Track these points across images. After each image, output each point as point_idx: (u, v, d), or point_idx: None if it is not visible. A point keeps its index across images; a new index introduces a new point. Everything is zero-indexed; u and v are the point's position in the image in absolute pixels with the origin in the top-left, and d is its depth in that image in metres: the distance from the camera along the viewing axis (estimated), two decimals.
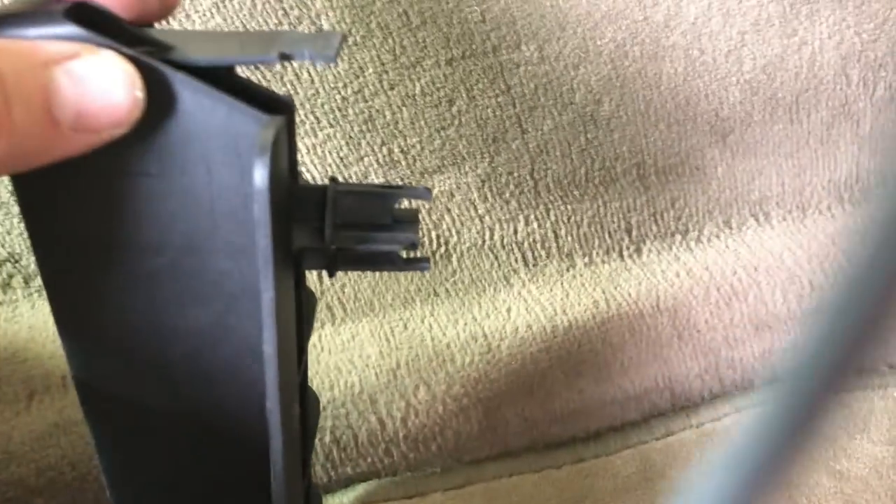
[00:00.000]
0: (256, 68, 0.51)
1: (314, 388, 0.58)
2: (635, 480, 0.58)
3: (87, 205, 0.25)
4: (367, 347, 0.59)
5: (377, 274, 0.61)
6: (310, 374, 0.58)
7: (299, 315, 0.29)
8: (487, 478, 0.59)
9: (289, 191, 0.25)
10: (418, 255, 0.31)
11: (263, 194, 0.22)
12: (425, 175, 0.56)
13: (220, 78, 0.24)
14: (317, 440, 0.59)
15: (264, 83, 0.52)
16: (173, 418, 0.29)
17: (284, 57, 0.23)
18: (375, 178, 0.55)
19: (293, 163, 0.25)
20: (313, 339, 0.59)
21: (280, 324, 0.24)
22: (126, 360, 0.28)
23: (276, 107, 0.24)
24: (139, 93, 0.23)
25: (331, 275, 0.28)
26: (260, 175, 0.22)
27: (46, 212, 0.25)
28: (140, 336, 0.27)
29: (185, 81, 0.23)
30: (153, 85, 0.23)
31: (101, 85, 0.23)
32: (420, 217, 0.36)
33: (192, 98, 0.23)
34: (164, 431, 0.30)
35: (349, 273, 0.60)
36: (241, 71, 0.51)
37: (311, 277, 0.60)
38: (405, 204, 0.33)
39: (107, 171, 0.25)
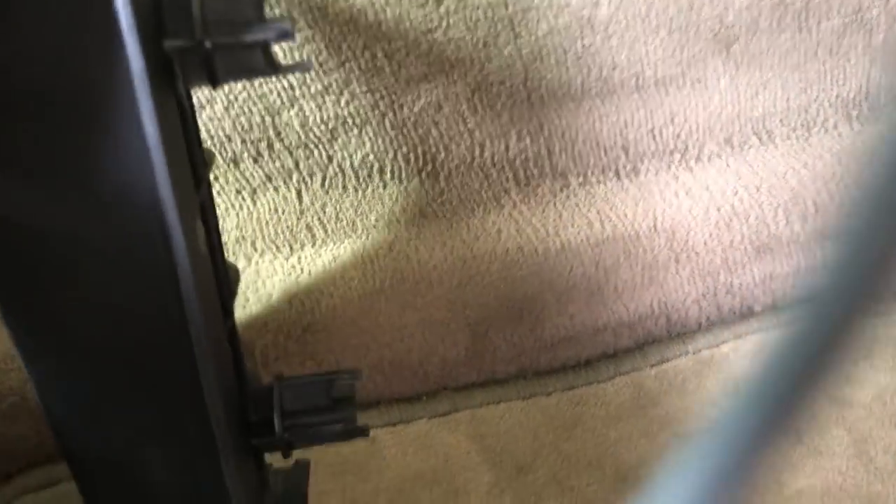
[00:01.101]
0: None
1: (292, 311, 0.55)
2: (628, 408, 0.56)
3: None
4: (350, 270, 0.56)
5: (359, 193, 0.57)
6: (289, 295, 0.56)
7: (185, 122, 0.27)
8: (474, 405, 0.57)
9: None
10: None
11: None
12: (411, 83, 0.52)
13: None
14: (297, 364, 0.56)
15: None
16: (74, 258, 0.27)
17: None
18: (357, 87, 0.52)
19: None
20: (292, 260, 0.56)
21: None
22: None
23: None
24: None
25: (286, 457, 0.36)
26: None
27: None
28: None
29: None
30: None
31: None
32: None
33: None
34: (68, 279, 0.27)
35: (330, 192, 0.57)
36: None
37: (291, 196, 0.56)
38: None
39: None
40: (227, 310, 0.34)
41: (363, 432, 0.39)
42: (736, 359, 0.56)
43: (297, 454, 0.47)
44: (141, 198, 0.25)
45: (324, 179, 0.56)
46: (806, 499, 0.49)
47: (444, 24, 0.50)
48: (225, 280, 0.34)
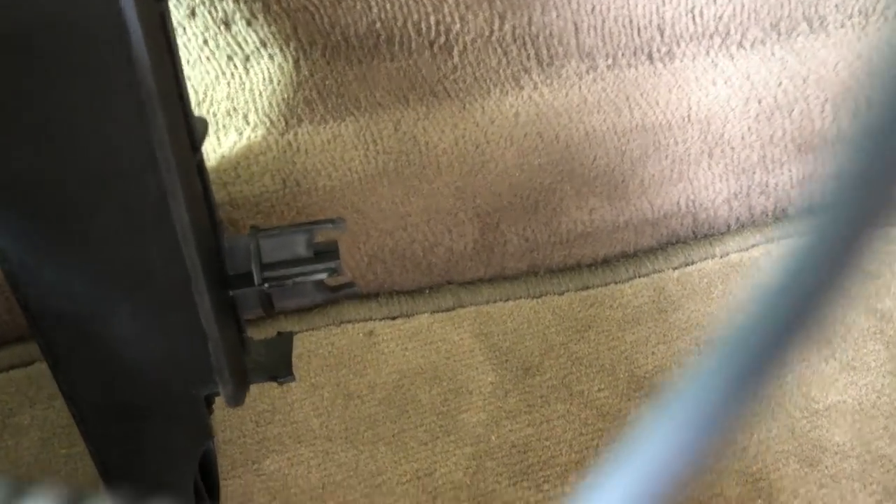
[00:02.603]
0: None
1: (286, 192, 0.51)
2: (647, 311, 0.52)
3: None
4: (351, 150, 0.52)
5: (364, 66, 0.52)
6: (283, 175, 0.51)
7: None
8: (480, 301, 0.53)
9: None
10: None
11: None
12: None
13: None
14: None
15: None
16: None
17: None
18: None
19: None
20: (288, 136, 0.52)
21: None
22: None
23: None
24: None
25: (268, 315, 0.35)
26: None
27: None
28: None
29: None
30: None
31: None
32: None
33: None
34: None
35: (331, 63, 0.51)
36: None
37: (287, 65, 0.51)
38: None
39: None
40: (194, 144, 0.31)
41: (349, 286, 0.36)
42: (766, 264, 0.52)
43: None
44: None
45: (325, 48, 0.50)
46: (836, 415, 0.45)
47: None
48: (188, 104, 0.30)
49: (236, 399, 0.35)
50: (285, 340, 0.40)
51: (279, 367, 0.38)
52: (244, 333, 0.37)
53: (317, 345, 0.51)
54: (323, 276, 0.35)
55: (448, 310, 0.53)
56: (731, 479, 0.45)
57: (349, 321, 0.52)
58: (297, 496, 0.46)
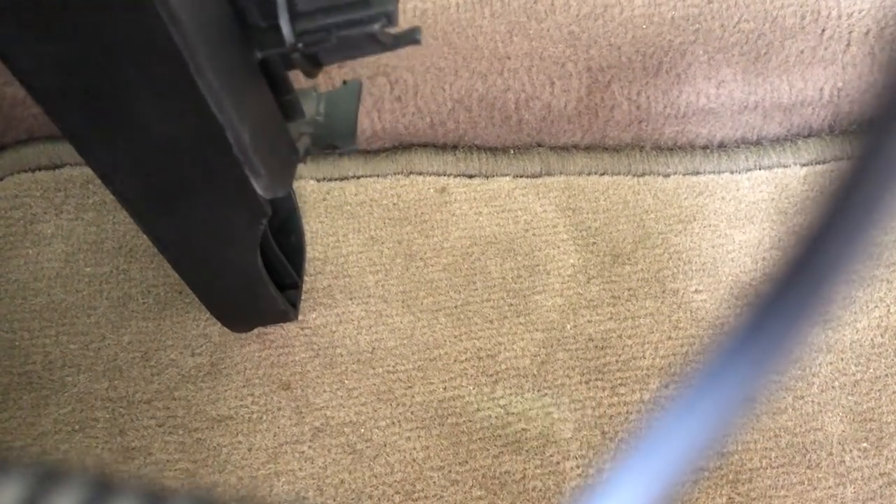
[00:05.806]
0: None
1: None
2: (764, 209, 0.45)
3: None
4: None
5: None
6: None
7: None
8: (572, 171, 0.46)
9: None
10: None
11: None
12: None
13: None
14: (368, 80, 0.45)
15: None
16: None
17: None
18: None
19: None
20: None
21: None
22: None
23: None
24: None
25: (309, 75, 0.27)
26: None
27: None
28: None
29: None
30: None
31: None
32: None
33: None
34: None
35: None
36: None
37: None
38: None
39: None
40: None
41: (411, 37, 0.27)
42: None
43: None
44: None
45: None
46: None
47: None
48: None
49: (274, 189, 0.28)
50: (350, 94, 0.32)
51: (339, 134, 0.31)
52: (289, 95, 0.29)
53: (381, 194, 0.45)
54: (374, 27, 0.26)
55: (534, 176, 0.46)
56: (836, 414, 0.40)
57: (420, 173, 0.45)
58: (343, 357, 0.41)
